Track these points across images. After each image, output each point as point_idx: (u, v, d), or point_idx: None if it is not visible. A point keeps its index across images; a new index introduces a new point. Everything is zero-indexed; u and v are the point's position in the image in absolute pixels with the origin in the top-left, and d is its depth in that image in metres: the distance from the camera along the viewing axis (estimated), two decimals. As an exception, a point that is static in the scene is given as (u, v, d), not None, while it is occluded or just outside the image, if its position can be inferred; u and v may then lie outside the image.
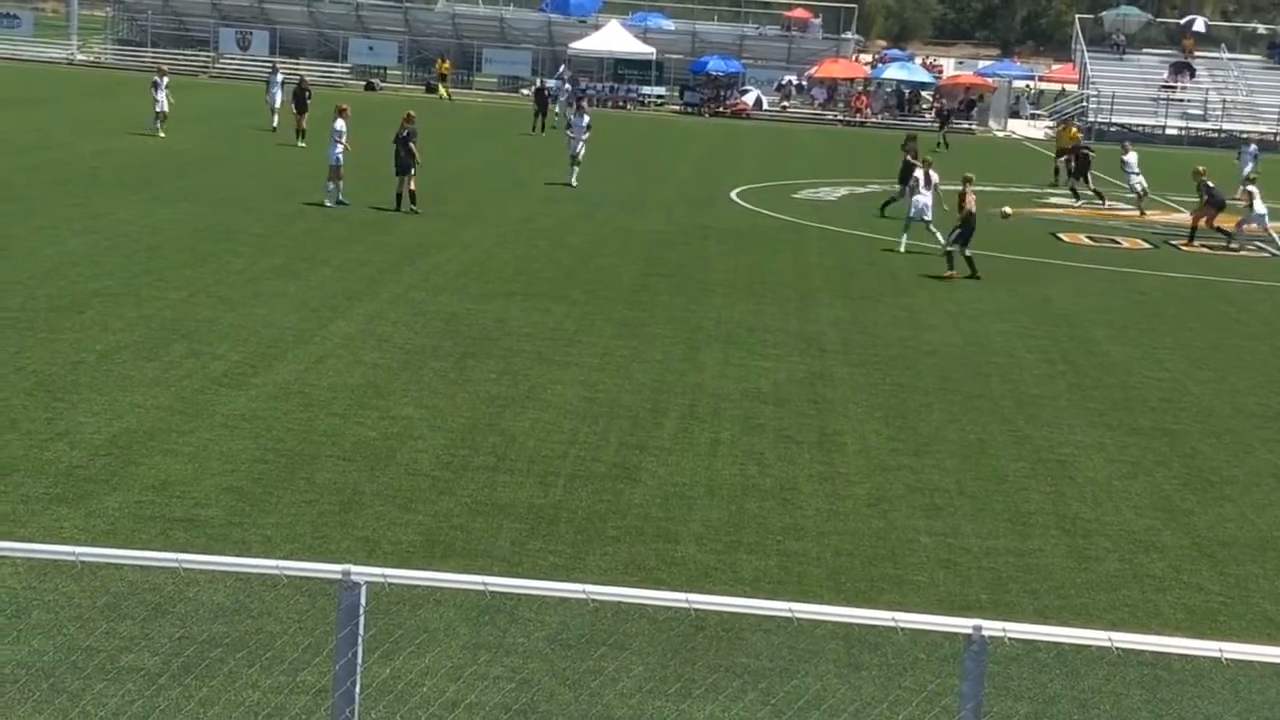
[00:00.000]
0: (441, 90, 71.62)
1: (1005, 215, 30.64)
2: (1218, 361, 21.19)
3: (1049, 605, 11.40)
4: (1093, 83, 72.06)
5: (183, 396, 15.65)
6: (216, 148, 41.46)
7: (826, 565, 12.01)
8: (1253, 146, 48.75)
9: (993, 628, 6.32)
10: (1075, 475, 15.00)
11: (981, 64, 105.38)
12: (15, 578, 10.36)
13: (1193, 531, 13.51)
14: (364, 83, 75.25)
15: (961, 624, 6.36)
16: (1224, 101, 70.91)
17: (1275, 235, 34.13)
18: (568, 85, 64.83)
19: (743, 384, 17.86)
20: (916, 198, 29.54)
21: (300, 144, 42.42)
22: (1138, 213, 39.35)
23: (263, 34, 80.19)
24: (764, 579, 11.56)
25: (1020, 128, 76.38)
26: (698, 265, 26.65)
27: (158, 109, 43.23)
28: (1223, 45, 77.80)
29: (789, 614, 6.46)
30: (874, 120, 73.42)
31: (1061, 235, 34.64)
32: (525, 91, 69.32)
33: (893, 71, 79.97)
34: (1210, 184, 34.42)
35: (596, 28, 79.04)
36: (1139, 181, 39.50)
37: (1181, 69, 72.63)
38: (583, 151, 38.07)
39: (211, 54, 79.67)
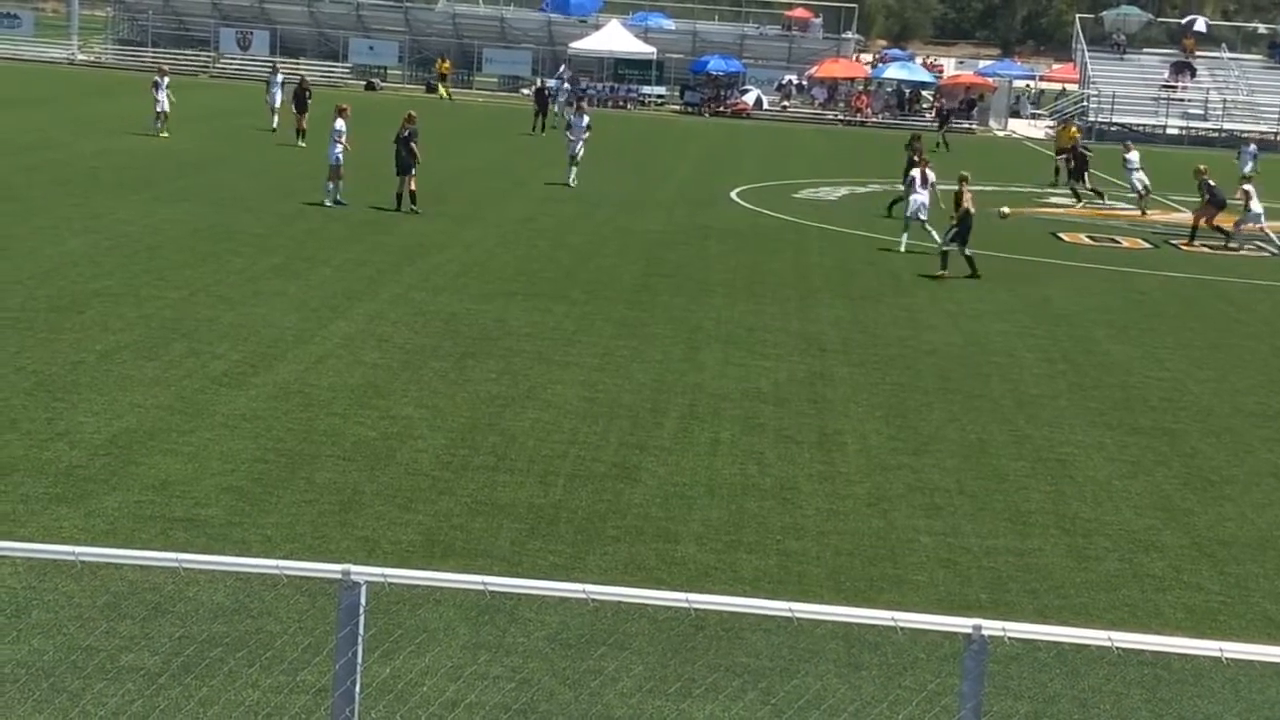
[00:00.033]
0: (441, 90, 71.62)
1: (1003, 215, 30.66)
2: (1218, 361, 21.19)
3: (1049, 605, 11.40)
4: (1093, 82, 72.04)
5: (183, 396, 15.65)
6: (217, 148, 41.47)
7: (826, 565, 12.01)
8: (1252, 146, 48.75)
9: (993, 627, 6.32)
10: (1075, 475, 15.00)
11: (982, 64, 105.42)
12: (15, 577, 10.36)
13: (1193, 531, 13.51)
14: (364, 83, 75.24)
15: (961, 624, 6.36)
16: (1224, 101, 70.90)
17: (1272, 234, 34.13)
18: (566, 85, 64.82)
19: (743, 384, 17.86)
20: (913, 196, 29.54)
21: (300, 144, 42.42)
22: (1139, 212, 39.36)
23: (263, 34, 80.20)
24: (764, 579, 11.56)
25: (1021, 127, 76.38)
26: (698, 265, 26.65)
27: (158, 109, 43.27)
28: (1223, 45, 77.78)
29: (789, 614, 6.46)
30: (874, 120, 73.42)
31: (1062, 235, 34.64)
32: (525, 91, 69.34)
33: (893, 71, 79.97)
34: (1212, 183, 34.45)
35: (597, 27, 79.04)
36: (1140, 178, 39.50)
37: (1182, 69, 72.61)
38: (581, 152, 38.06)
39: (212, 54, 79.69)
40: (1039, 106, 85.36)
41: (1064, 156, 44.61)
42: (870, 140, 61.93)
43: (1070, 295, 25.91)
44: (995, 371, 19.49)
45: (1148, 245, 34.10)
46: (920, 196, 29.34)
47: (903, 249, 29.00)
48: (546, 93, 57.26)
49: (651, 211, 33.78)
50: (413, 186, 30.34)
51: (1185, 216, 37.02)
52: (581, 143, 38.14)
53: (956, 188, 26.96)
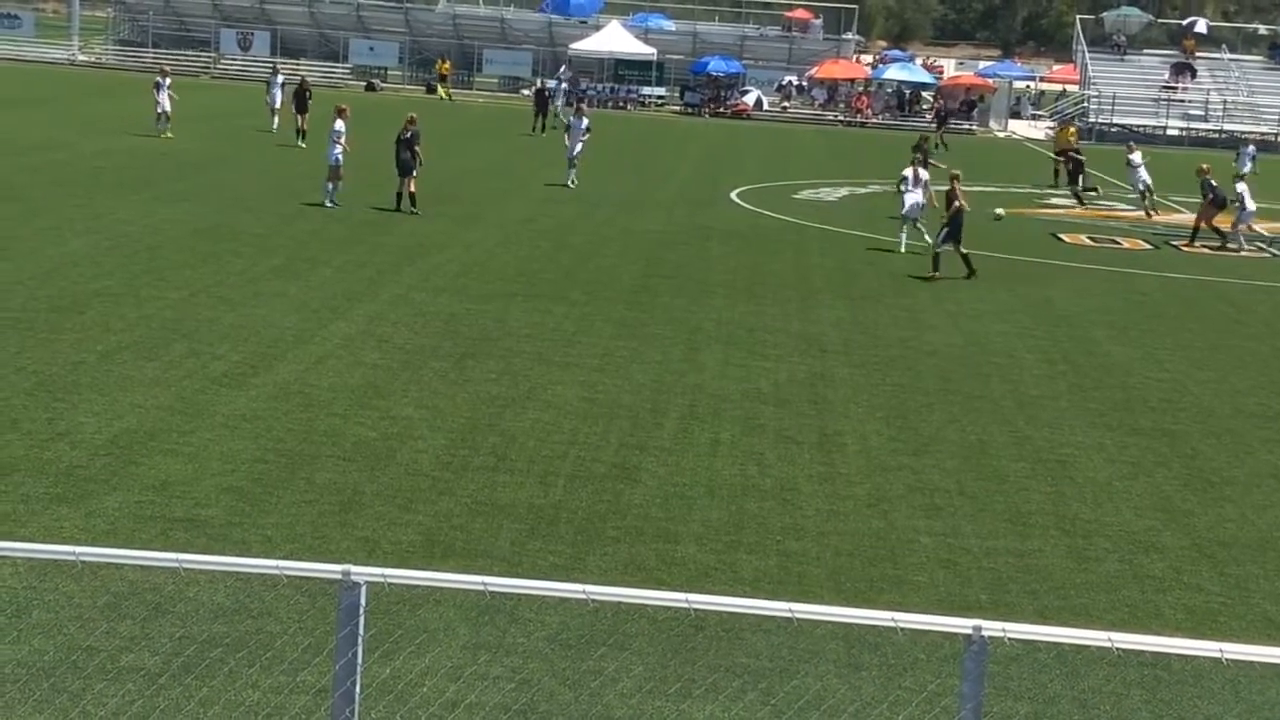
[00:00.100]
0: (441, 91, 71.64)
1: (998, 217, 30.67)
2: (1218, 362, 21.18)
3: (1049, 605, 11.40)
4: (1094, 83, 72.06)
5: (183, 396, 15.65)
6: (217, 148, 41.48)
7: (826, 565, 12.01)
8: (1251, 147, 48.78)
9: (993, 628, 6.32)
10: (1075, 476, 15.00)
11: (982, 64, 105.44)
12: (15, 577, 10.36)
13: (1193, 532, 13.50)
14: (364, 83, 75.27)
15: (961, 624, 6.36)
16: (1225, 102, 70.91)
17: (1267, 234, 34.13)
18: (565, 85, 64.83)
19: (743, 384, 17.86)
20: (906, 196, 29.51)
21: (301, 144, 42.44)
22: (1145, 214, 39.27)
23: (264, 34, 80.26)
24: (764, 579, 11.56)
25: (1021, 128, 76.39)
26: (698, 266, 26.65)
27: (159, 109, 43.29)
28: (1224, 46, 77.81)
29: (789, 614, 6.46)
30: (874, 121, 73.43)
31: (1062, 236, 34.63)
32: (525, 92, 69.35)
33: (893, 72, 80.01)
34: (1214, 183, 34.50)
35: (597, 28, 79.08)
36: (1143, 176, 39.48)
37: (1182, 70, 72.62)
38: (580, 152, 38.03)
39: (212, 55, 79.73)
40: (1039, 107, 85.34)
41: (1063, 158, 44.64)
42: (870, 141, 61.92)
43: (1071, 296, 25.90)
44: (995, 372, 19.49)
45: (1148, 246, 34.09)
46: (913, 195, 29.32)
47: (902, 249, 28.99)
48: (546, 93, 57.29)
49: (652, 212, 33.78)
50: (413, 188, 30.34)
51: (1186, 218, 37.02)
52: (581, 144, 38.13)
53: (949, 186, 26.97)
